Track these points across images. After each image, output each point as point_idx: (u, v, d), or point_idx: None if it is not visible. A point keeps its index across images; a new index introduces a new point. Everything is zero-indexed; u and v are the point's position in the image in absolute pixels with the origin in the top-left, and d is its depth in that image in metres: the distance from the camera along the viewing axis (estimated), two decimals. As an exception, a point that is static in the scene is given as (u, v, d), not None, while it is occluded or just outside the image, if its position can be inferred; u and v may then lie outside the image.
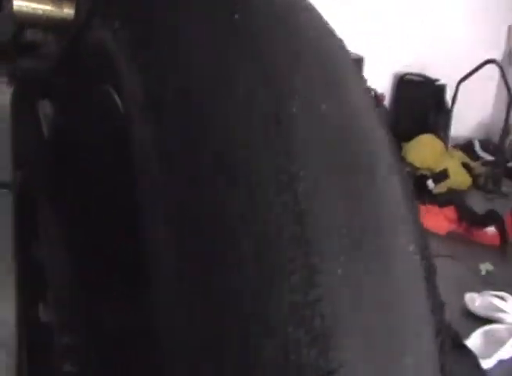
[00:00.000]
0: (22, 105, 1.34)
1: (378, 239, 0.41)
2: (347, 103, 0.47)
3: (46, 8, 1.61)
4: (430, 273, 0.44)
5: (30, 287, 0.84)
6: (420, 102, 4.87)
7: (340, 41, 0.55)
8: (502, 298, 2.38)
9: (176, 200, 0.44)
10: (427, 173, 3.99)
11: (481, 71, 4.15)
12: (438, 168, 4.02)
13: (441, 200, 3.44)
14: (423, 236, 0.46)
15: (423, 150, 4.22)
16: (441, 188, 3.87)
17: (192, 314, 0.40)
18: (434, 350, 0.42)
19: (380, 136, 0.47)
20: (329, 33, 0.55)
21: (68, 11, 1.64)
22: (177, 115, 0.47)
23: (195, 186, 0.43)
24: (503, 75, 4.10)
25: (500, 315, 2.29)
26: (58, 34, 1.65)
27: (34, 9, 1.63)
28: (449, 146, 4.55)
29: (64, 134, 1.03)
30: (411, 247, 0.43)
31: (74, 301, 0.74)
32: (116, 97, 0.65)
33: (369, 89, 0.52)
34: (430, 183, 3.82)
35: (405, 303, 0.41)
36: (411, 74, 4.87)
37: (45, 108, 1.48)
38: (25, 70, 1.49)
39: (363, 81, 0.53)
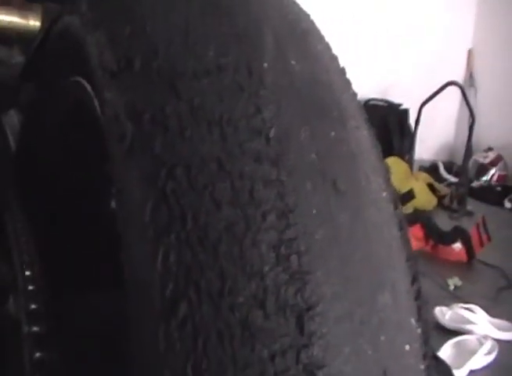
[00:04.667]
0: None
1: (353, 180, 0.41)
2: (316, 62, 0.48)
3: (12, 19, 1.60)
4: (402, 224, 0.45)
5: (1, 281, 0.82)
6: (384, 126, 4.94)
7: (308, 15, 0.56)
8: (471, 311, 2.40)
9: (152, 160, 0.44)
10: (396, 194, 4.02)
11: (442, 94, 4.24)
12: (404, 190, 4.06)
13: (408, 220, 3.46)
14: (394, 189, 0.46)
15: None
16: (408, 209, 3.90)
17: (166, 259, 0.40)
18: (410, 293, 0.42)
19: (348, 93, 0.48)
20: (298, 6, 0.56)
21: (34, 22, 1.63)
22: (146, 77, 0.47)
23: (171, 138, 0.42)
24: (465, 97, 4.18)
25: (470, 326, 2.30)
26: (23, 45, 1.64)
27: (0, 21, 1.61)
28: (414, 168, 4.61)
29: (34, 142, 1.03)
30: (384, 194, 0.43)
31: (43, 290, 0.73)
32: (87, 86, 0.64)
33: (335, 56, 0.53)
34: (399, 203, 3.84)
35: (380, 244, 0.41)
36: (374, 99, 4.94)
37: (12, 119, 1.47)
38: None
39: (330, 48, 0.54)
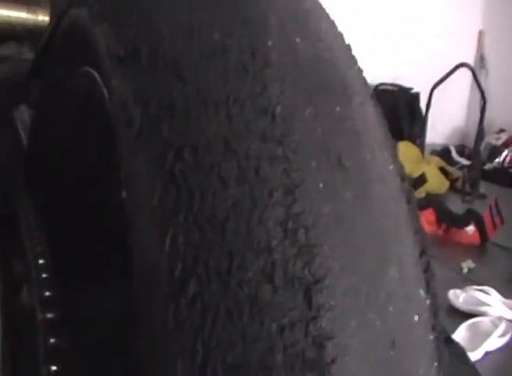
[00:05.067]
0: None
1: (358, 156, 0.42)
2: (321, 40, 0.48)
3: (21, 15, 1.61)
4: (410, 197, 0.45)
5: (14, 271, 0.84)
6: (395, 111, 4.92)
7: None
8: (485, 293, 2.40)
9: (159, 143, 0.44)
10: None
11: (453, 77, 4.21)
12: (416, 174, 4.05)
13: (420, 204, 3.46)
14: (401, 164, 0.47)
15: (400, 158, 4.24)
16: (420, 193, 3.89)
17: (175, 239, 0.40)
18: (418, 265, 0.42)
19: (353, 70, 0.48)
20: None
21: (43, 18, 1.64)
22: (153, 62, 0.47)
23: (178, 121, 0.43)
24: (476, 79, 4.16)
25: (484, 308, 2.30)
26: (33, 41, 1.65)
27: (8, 16, 1.63)
28: (426, 152, 4.59)
29: (45, 137, 1.04)
30: (390, 168, 0.43)
31: (56, 278, 0.74)
32: (96, 75, 0.65)
33: (340, 33, 0.53)
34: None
35: (387, 218, 0.42)
36: (384, 83, 4.92)
37: (23, 114, 1.48)
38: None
39: (335, 26, 0.54)
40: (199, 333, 0.37)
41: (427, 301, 0.42)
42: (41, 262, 0.74)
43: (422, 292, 0.42)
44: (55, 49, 0.87)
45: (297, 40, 0.46)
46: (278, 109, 0.41)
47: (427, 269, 0.44)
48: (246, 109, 0.41)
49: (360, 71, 0.50)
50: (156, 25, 0.47)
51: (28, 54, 1.62)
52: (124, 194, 0.49)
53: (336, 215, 0.39)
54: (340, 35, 0.51)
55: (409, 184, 0.45)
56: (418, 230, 0.44)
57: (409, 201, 0.44)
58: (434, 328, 0.42)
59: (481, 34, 5.28)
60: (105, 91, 0.56)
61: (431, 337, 0.42)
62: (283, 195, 0.39)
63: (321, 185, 0.40)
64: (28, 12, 1.58)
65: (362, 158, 0.42)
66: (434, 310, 0.43)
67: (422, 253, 0.44)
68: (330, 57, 0.46)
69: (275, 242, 0.38)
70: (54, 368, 0.62)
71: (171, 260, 0.39)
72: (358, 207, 0.40)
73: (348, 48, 0.50)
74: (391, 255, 0.41)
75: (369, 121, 0.45)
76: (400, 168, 0.45)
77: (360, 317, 0.38)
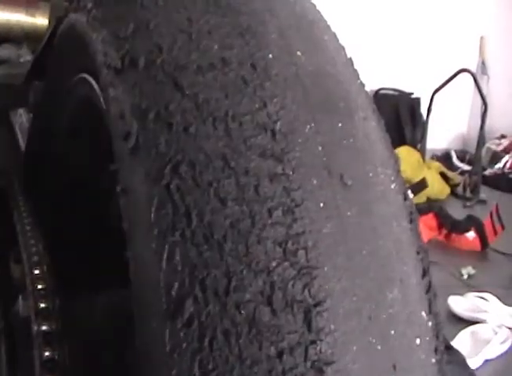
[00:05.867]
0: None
1: (360, 173, 0.41)
2: (323, 53, 0.47)
3: (19, 18, 1.60)
4: (413, 215, 0.44)
5: (10, 283, 0.83)
6: (396, 116, 4.92)
7: (314, 5, 0.55)
8: (485, 299, 2.38)
9: (156, 158, 0.43)
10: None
11: (454, 82, 4.20)
12: (416, 179, 4.04)
13: (420, 209, 3.45)
14: (403, 181, 0.46)
15: (401, 163, 4.23)
16: (420, 198, 3.88)
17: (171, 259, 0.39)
18: (420, 286, 0.41)
19: (356, 84, 0.47)
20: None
21: (42, 20, 1.63)
22: (151, 74, 0.46)
23: (175, 135, 0.42)
24: (477, 84, 4.14)
25: (484, 315, 2.29)
26: (31, 44, 1.64)
27: (6, 19, 1.62)
28: (426, 157, 4.58)
29: (42, 141, 1.03)
30: (393, 186, 0.42)
31: (52, 289, 0.73)
32: (94, 83, 0.64)
33: (342, 47, 0.52)
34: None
35: (389, 238, 0.41)
36: (385, 88, 4.92)
37: (21, 117, 1.47)
38: (-2, 81, 1.48)
39: (337, 38, 0.53)
40: (196, 355, 0.36)
41: (429, 323, 0.41)
42: (36, 272, 0.73)
43: (424, 314, 0.41)
44: (53, 53, 0.86)
45: (299, 53, 0.45)
46: (278, 125, 0.40)
47: (428, 290, 0.43)
48: (246, 124, 0.40)
49: (362, 85, 0.49)
50: (154, 35, 0.46)
51: (27, 57, 1.61)
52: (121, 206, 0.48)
53: (337, 235, 0.38)
54: (342, 48, 0.50)
55: (411, 202, 0.44)
56: (420, 249, 0.43)
57: (411, 220, 0.43)
58: (436, 350, 0.41)
59: (482, 39, 5.28)
60: (102, 100, 0.55)
61: (433, 360, 0.41)
62: (283, 214, 0.38)
63: (322, 204, 0.39)
64: (27, 14, 1.57)
65: (365, 176, 0.41)
66: (437, 331, 0.42)
67: (424, 273, 0.43)
68: (333, 71, 0.45)
69: (274, 263, 0.37)
70: (50, 380, 0.61)
71: (168, 278, 0.38)
72: (360, 227, 0.39)
73: (350, 61, 0.49)
74: (394, 276, 0.40)
75: (371, 137, 0.44)
76: (402, 184, 0.44)
77: (361, 341, 0.37)
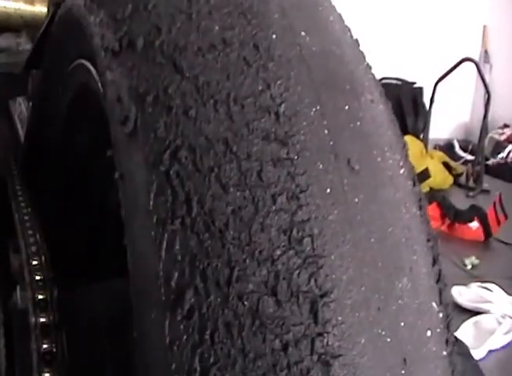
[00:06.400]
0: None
1: (368, 158, 0.39)
2: (328, 34, 0.46)
3: (19, 6, 1.58)
4: (422, 202, 0.42)
5: (7, 273, 0.82)
6: (398, 105, 4.89)
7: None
8: (488, 290, 2.37)
9: (155, 142, 0.42)
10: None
11: (457, 71, 4.18)
12: (419, 169, 4.02)
13: (423, 199, 3.42)
14: (412, 165, 0.44)
15: (404, 152, 4.21)
16: (423, 188, 3.87)
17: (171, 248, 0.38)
18: (430, 275, 0.39)
19: (362, 66, 0.46)
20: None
21: (41, 8, 1.61)
22: (149, 56, 0.45)
23: (175, 119, 0.40)
24: (480, 73, 4.12)
25: (488, 306, 2.28)
26: (31, 33, 1.62)
27: (4, 7, 1.60)
28: (429, 147, 4.56)
29: (41, 130, 1.02)
30: (401, 171, 0.41)
31: (51, 280, 0.71)
32: (92, 68, 0.63)
33: (348, 28, 0.50)
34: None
35: (398, 225, 0.39)
36: (387, 77, 4.89)
37: (20, 106, 1.46)
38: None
39: (342, 19, 0.51)
40: (196, 349, 0.34)
41: (440, 314, 0.40)
42: (34, 262, 0.72)
43: (435, 304, 0.40)
44: (51, 40, 0.85)
45: (303, 33, 0.43)
46: (282, 107, 0.39)
47: (439, 279, 0.41)
48: (248, 107, 0.39)
49: (369, 67, 0.47)
50: (152, 16, 0.45)
51: (26, 45, 1.59)
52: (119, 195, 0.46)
53: (344, 222, 0.37)
54: (348, 29, 0.48)
55: (419, 187, 0.42)
56: (430, 237, 0.41)
57: (420, 206, 0.41)
58: (447, 342, 0.40)
59: (485, 28, 5.24)
60: (99, 85, 0.54)
61: (444, 353, 0.39)
62: (288, 200, 0.36)
63: (328, 189, 0.37)
64: (25, 2, 1.55)
65: (373, 160, 0.40)
66: (447, 322, 0.41)
67: (434, 261, 0.41)
68: (338, 52, 0.43)
69: (278, 251, 0.35)
70: (47, 375, 0.60)
71: (167, 268, 0.36)
72: (367, 214, 0.38)
73: (356, 43, 0.47)
74: (403, 265, 0.38)
75: (379, 120, 0.42)
76: (411, 170, 0.43)
77: (370, 333, 0.35)
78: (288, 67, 0.40)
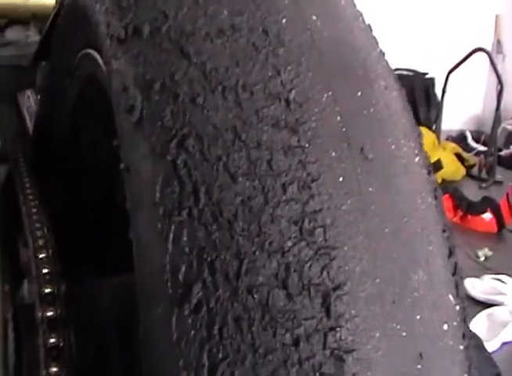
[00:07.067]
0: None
1: (382, 146, 0.38)
2: (340, 19, 0.44)
3: (26, -3, 1.56)
4: (437, 191, 0.41)
5: (15, 267, 0.81)
6: (410, 96, 4.86)
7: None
8: (502, 282, 2.35)
9: (161, 131, 0.40)
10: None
11: (470, 62, 4.14)
12: (431, 161, 3.99)
13: (435, 191, 3.40)
14: (427, 154, 0.42)
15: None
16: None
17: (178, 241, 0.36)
18: (447, 268, 0.38)
19: (376, 52, 0.44)
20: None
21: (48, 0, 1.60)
22: (156, 42, 0.43)
23: (182, 107, 0.39)
24: (492, 64, 4.08)
25: (501, 298, 2.26)
26: (39, 25, 1.62)
27: (14, 0, 1.59)
28: (442, 138, 4.53)
29: (49, 122, 1.01)
30: (416, 159, 0.39)
31: (56, 274, 0.71)
32: (98, 58, 0.62)
33: (360, 13, 0.49)
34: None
35: (413, 215, 0.38)
36: (399, 68, 4.85)
37: (28, 99, 1.45)
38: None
39: (354, 4, 0.50)
40: (205, 344, 0.33)
41: (457, 307, 0.38)
42: (41, 256, 0.71)
43: (451, 297, 0.38)
44: (58, 31, 0.84)
45: (314, 18, 0.42)
46: (292, 93, 0.37)
47: (455, 271, 0.39)
48: (258, 94, 0.37)
49: (382, 53, 0.45)
50: (158, 2, 0.44)
51: (35, 38, 1.59)
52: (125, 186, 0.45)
53: (357, 213, 0.35)
54: (361, 14, 0.46)
55: (435, 177, 0.40)
56: (446, 227, 0.40)
57: (436, 196, 0.40)
58: (464, 336, 0.39)
59: (497, 18, 5.19)
60: (105, 74, 0.53)
61: (461, 347, 0.38)
62: (299, 190, 0.35)
63: (341, 178, 0.36)
64: (33, -6, 1.54)
65: (387, 149, 0.38)
66: (464, 316, 0.39)
67: (450, 253, 0.40)
68: (350, 37, 0.42)
69: (289, 243, 0.34)
70: (54, 369, 0.59)
71: (174, 261, 0.35)
72: (382, 204, 0.36)
73: (369, 28, 0.46)
74: (419, 257, 0.37)
75: (393, 107, 0.41)
76: (426, 158, 0.41)
77: (384, 327, 0.34)
78: (299, 53, 0.39)
